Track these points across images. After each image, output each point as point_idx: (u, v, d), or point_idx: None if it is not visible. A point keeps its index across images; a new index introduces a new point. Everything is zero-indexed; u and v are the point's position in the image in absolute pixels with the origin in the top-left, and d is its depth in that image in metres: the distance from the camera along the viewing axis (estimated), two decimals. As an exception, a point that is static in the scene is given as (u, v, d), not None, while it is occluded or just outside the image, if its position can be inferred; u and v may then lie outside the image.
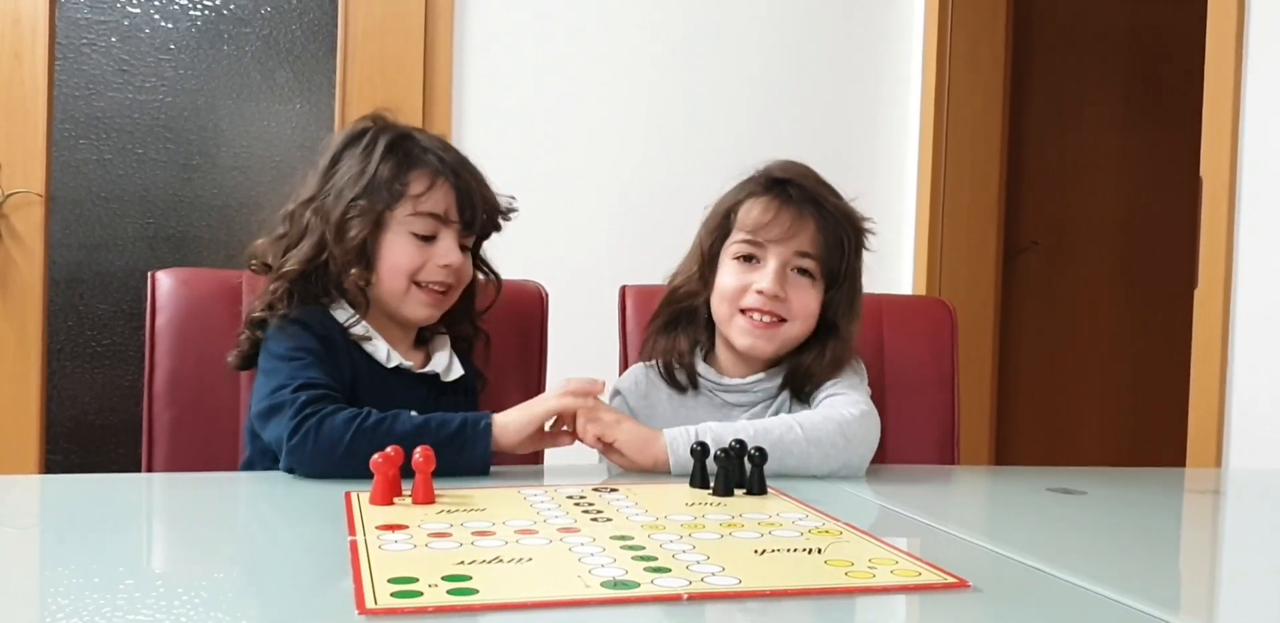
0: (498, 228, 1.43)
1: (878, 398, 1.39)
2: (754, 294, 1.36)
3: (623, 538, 0.86)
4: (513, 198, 1.43)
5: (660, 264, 1.50)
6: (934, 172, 2.71)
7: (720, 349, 1.45)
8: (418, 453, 1.00)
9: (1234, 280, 1.86)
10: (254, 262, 1.39)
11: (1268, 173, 1.82)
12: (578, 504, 0.99)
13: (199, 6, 2.45)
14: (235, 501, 1.14)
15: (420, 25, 2.48)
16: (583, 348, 1.73)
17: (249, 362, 1.33)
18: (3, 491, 1.16)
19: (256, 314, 1.33)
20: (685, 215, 1.49)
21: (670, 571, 0.76)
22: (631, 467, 1.22)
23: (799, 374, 1.39)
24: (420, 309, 1.35)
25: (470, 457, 1.18)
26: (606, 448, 1.23)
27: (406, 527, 0.88)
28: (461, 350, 1.46)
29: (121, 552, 0.87)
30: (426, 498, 0.99)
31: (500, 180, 1.44)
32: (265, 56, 2.49)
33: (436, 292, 1.35)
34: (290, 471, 1.17)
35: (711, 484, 1.08)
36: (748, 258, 1.38)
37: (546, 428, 1.24)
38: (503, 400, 1.26)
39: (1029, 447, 3.20)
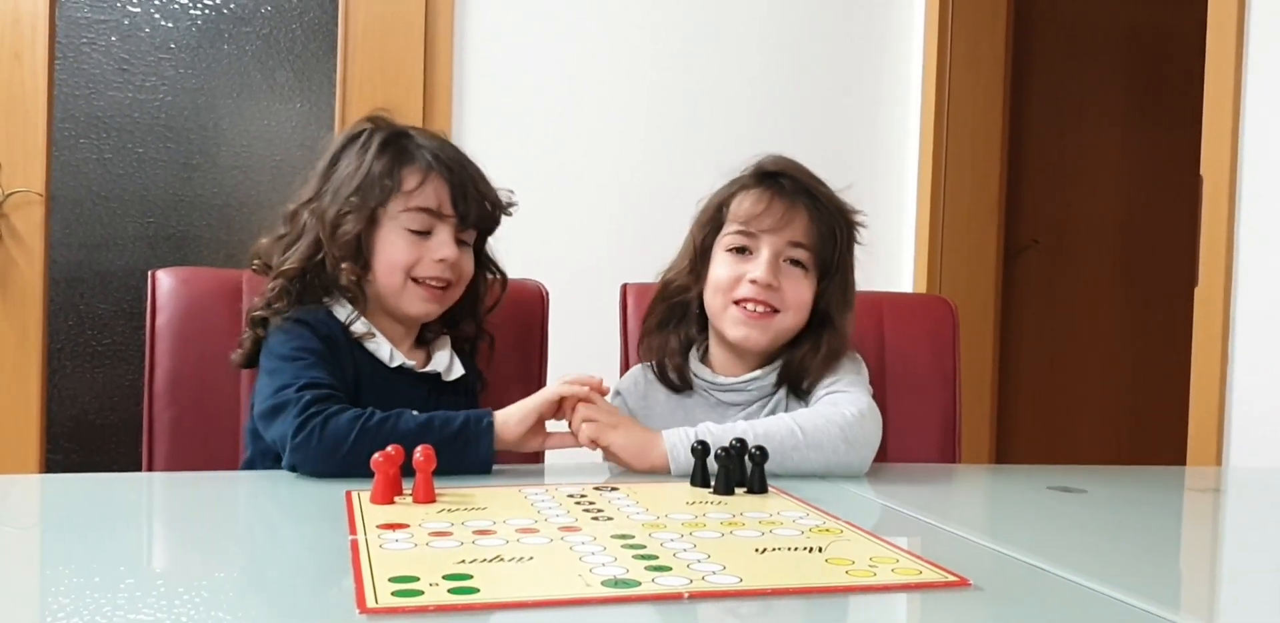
0: (497, 223, 1.42)
1: (878, 396, 1.38)
2: (747, 284, 1.36)
3: (623, 537, 0.86)
4: (511, 192, 1.43)
5: (661, 263, 1.50)
6: (934, 170, 2.71)
7: (715, 347, 1.44)
8: (418, 452, 1.00)
9: (1234, 279, 1.86)
10: (256, 262, 1.40)
11: (1268, 172, 1.82)
12: (578, 503, 0.99)
13: (199, 5, 2.45)
14: (236, 500, 1.14)
15: (420, 24, 2.48)
16: (583, 347, 1.73)
17: (252, 360, 1.33)
18: (3, 490, 1.16)
19: (258, 313, 1.34)
20: (686, 214, 1.48)
21: (671, 569, 0.76)
22: (630, 469, 1.22)
23: (794, 369, 1.39)
24: (418, 305, 1.35)
25: (474, 454, 1.18)
26: (604, 449, 1.23)
27: (407, 526, 0.88)
28: (463, 350, 1.46)
29: (122, 551, 0.87)
30: (427, 497, 0.99)
31: (501, 179, 1.44)
32: (265, 56, 2.48)
33: (434, 287, 1.35)
34: (294, 469, 1.17)
35: (712, 483, 1.09)
36: (740, 249, 1.38)
37: (549, 428, 1.24)
38: (503, 400, 1.26)
39: (1029, 445, 3.20)
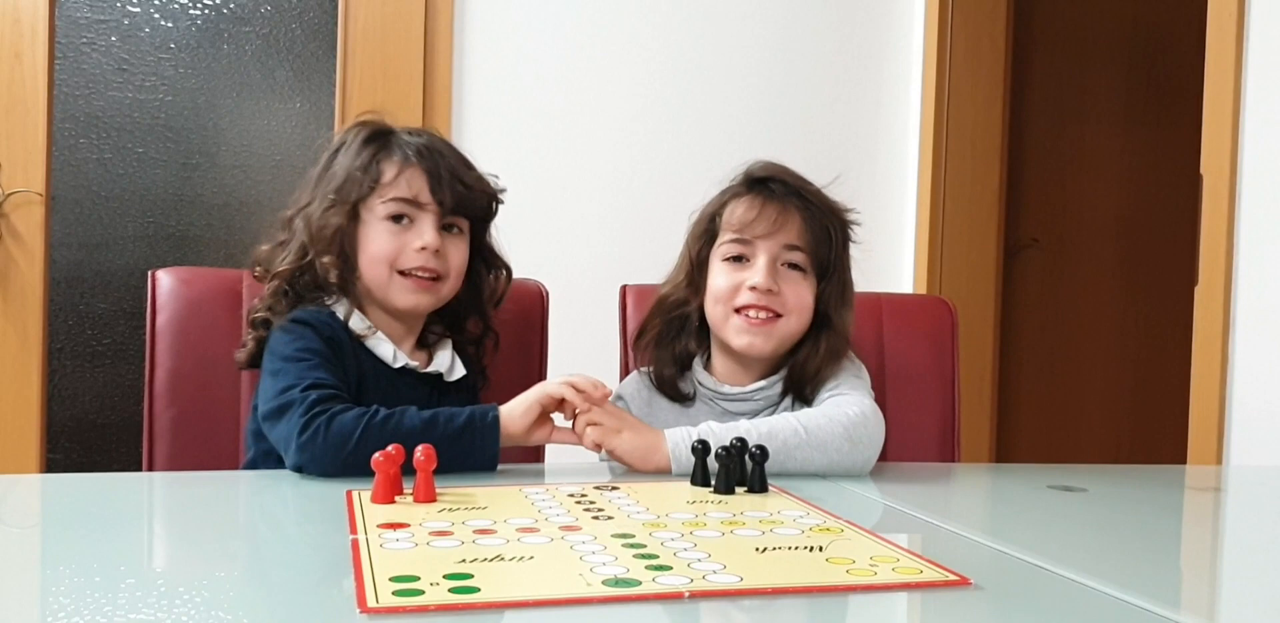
0: (487, 210, 1.41)
1: (879, 396, 1.38)
2: (747, 291, 1.35)
3: (624, 536, 0.86)
4: (496, 176, 1.42)
5: (661, 263, 1.49)
6: (934, 170, 2.71)
7: (718, 357, 1.44)
8: (419, 451, 1.00)
9: (1234, 277, 1.86)
10: (257, 269, 1.40)
11: (1268, 170, 1.82)
12: (579, 502, 0.99)
13: (199, 5, 2.45)
14: (236, 499, 1.14)
15: (420, 24, 2.48)
16: (583, 347, 1.73)
17: (256, 360, 1.33)
18: (4, 490, 1.16)
19: (259, 314, 1.34)
20: (686, 214, 1.48)
21: (671, 569, 0.76)
22: (636, 470, 1.22)
23: (798, 374, 1.38)
24: (405, 297, 1.34)
25: (480, 450, 1.18)
26: (609, 453, 1.23)
27: (408, 525, 0.88)
28: (466, 350, 1.45)
29: (122, 551, 0.87)
30: (428, 497, 0.99)
31: (501, 178, 1.44)
32: (265, 55, 2.48)
33: (421, 278, 1.34)
34: (299, 469, 1.17)
35: (713, 482, 1.09)
36: (737, 258, 1.38)
37: (558, 423, 1.24)
38: (503, 401, 1.26)
39: (1030, 444, 3.20)
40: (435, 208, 1.33)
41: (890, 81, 2.77)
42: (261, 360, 1.31)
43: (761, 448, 1.08)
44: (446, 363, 1.40)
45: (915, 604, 0.75)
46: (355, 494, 1.01)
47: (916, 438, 1.62)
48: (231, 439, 1.45)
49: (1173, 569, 0.95)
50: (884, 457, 1.30)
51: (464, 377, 1.41)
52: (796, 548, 0.84)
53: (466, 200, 1.36)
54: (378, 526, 0.88)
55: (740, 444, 1.09)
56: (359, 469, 1.09)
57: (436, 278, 1.35)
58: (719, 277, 1.39)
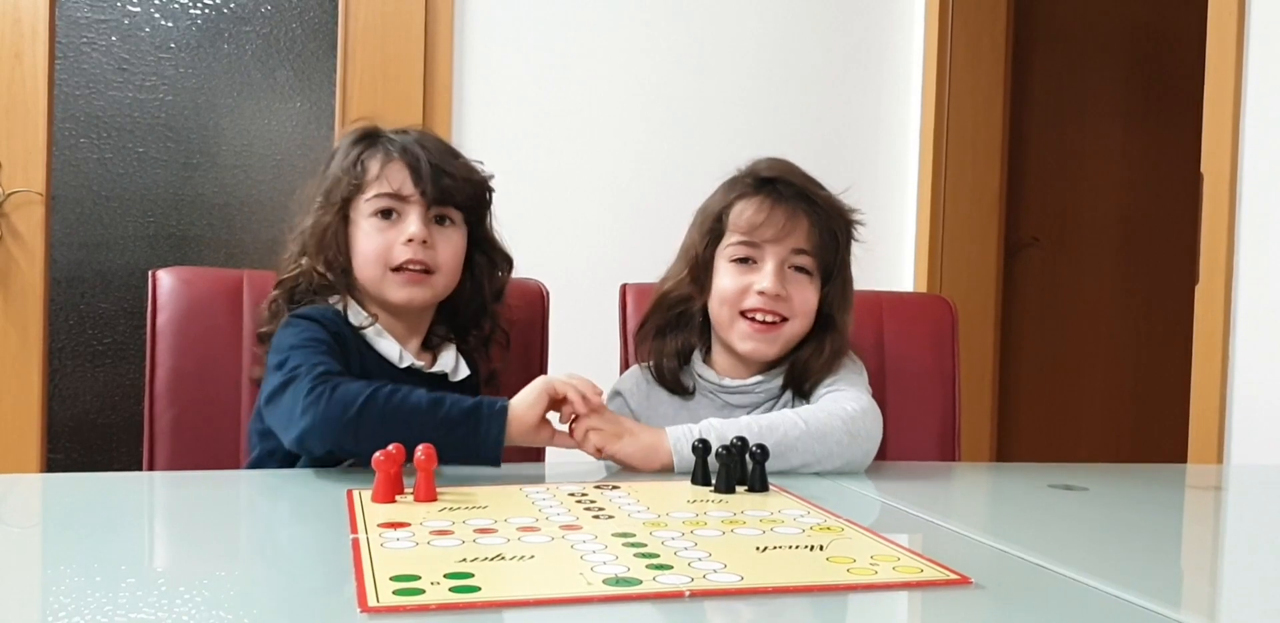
0: (475, 199, 1.39)
1: (879, 395, 1.39)
2: (755, 295, 1.36)
3: (625, 535, 0.86)
4: (481, 162, 1.41)
5: (661, 262, 1.49)
6: (934, 168, 2.71)
7: (719, 352, 1.44)
8: (419, 450, 1.00)
9: (1235, 276, 1.85)
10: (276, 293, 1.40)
11: (1268, 168, 1.82)
12: (579, 502, 0.99)
13: (199, 5, 2.45)
14: (237, 499, 1.14)
15: (421, 23, 2.48)
16: (583, 346, 1.73)
17: None
18: (4, 490, 1.16)
19: (265, 329, 1.35)
20: (686, 213, 1.48)
21: (672, 568, 0.76)
22: (641, 472, 1.21)
23: (799, 371, 1.39)
24: (399, 291, 1.33)
25: (485, 437, 1.15)
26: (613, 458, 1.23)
27: (408, 524, 0.88)
28: (476, 352, 1.44)
29: (123, 551, 0.87)
30: (428, 496, 0.99)
31: (501, 178, 1.44)
32: (266, 55, 2.48)
33: (413, 272, 1.33)
34: (300, 442, 1.14)
35: (713, 481, 1.09)
36: (744, 260, 1.38)
37: (556, 426, 1.23)
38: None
39: (1030, 443, 3.20)
40: (420, 199, 1.33)
41: (890, 81, 2.77)
42: None
43: (762, 447, 1.08)
44: (451, 363, 1.39)
45: (916, 603, 0.75)
46: (356, 494, 1.01)
47: (917, 437, 1.62)
48: (232, 439, 1.45)
49: (1173, 568, 0.95)
50: (884, 455, 1.30)
51: (469, 377, 1.41)
52: (797, 547, 0.84)
53: (452, 189, 1.35)
54: (378, 525, 0.88)
55: (741, 443, 1.09)
56: (359, 440, 1.09)
57: (428, 271, 1.34)
58: (725, 278, 1.39)
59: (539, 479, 1.18)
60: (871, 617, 0.73)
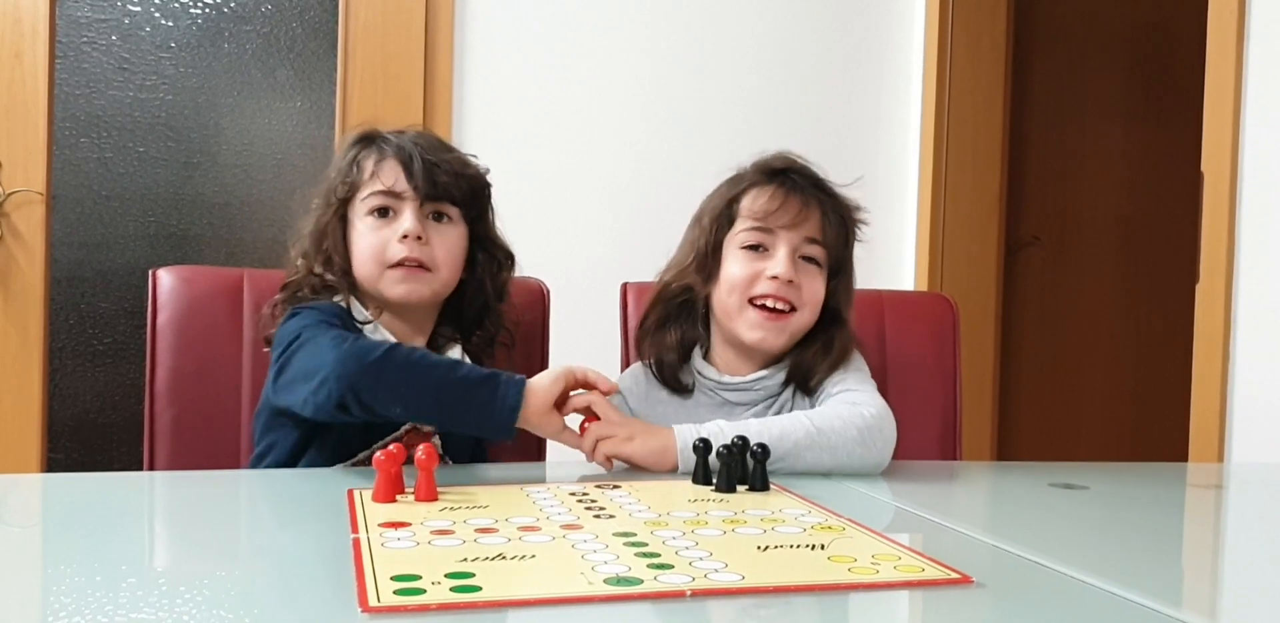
0: (471, 193, 1.38)
1: (880, 393, 1.38)
2: (766, 281, 1.34)
3: (625, 535, 0.86)
4: (475, 155, 1.41)
5: (661, 262, 1.49)
6: (935, 167, 2.71)
7: (720, 347, 1.43)
8: (420, 450, 1.00)
9: (1235, 275, 1.85)
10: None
11: (1269, 167, 1.82)
12: (580, 501, 0.99)
13: (199, 4, 2.45)
14: (237, 499, 1.14)
15: (421, 22, 2.48)
16: (584, 345, 1.73)
17: None
18: (5, 490, 1.16)
19: (269, 332, 1.34)
20: (687, 212, 1.48)
21: (673, 567, 0.76)
22: (650, 471, 1.21)
23: (803, 369, 1.38)
24: (395, 287, 1.33)
25: (500, 404, 1.13)
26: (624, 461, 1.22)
27: (409, 524, 0.88)
28: (483, 353, 1.44)
29: (123, 550, 0.87)
30: (429, 495, 0.98)
31: (501, 178, 1.44)
32: (266, 54, 2.48)
33: (410, 267, 1.32)
34: (320, 386, 1.13)
35: (714, 481, 1.08)
36: (755, 247, 1.37)
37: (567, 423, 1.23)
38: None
39: (1031, 442, 3.20)
40: (413, 195, 1.33)
41: (891, 80, 2.77)
42: None
43: (763, 446, 1.08)
44: None
45: (917, 603, 0.75)
46: (356, 493, 1.00)
47: (918, 435, 1.62)
48: (232, 439, 1.45)
49: (1174, 567, 0.95)
50: (884, 454, 1.30)
51: None
52: (798, 546, 0.84)
53: (446, 185, 1.34)
54: (379, 524, 0.88)
55: (742, 443, 1.09)
56: (378, 386, 1.10)
57: (425, 268, 1.33)
58: (735, 265, 1.37)
59: (540, 479, 1.18)
60: (873, 616, 0.73)
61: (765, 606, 0.71)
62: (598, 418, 1.22)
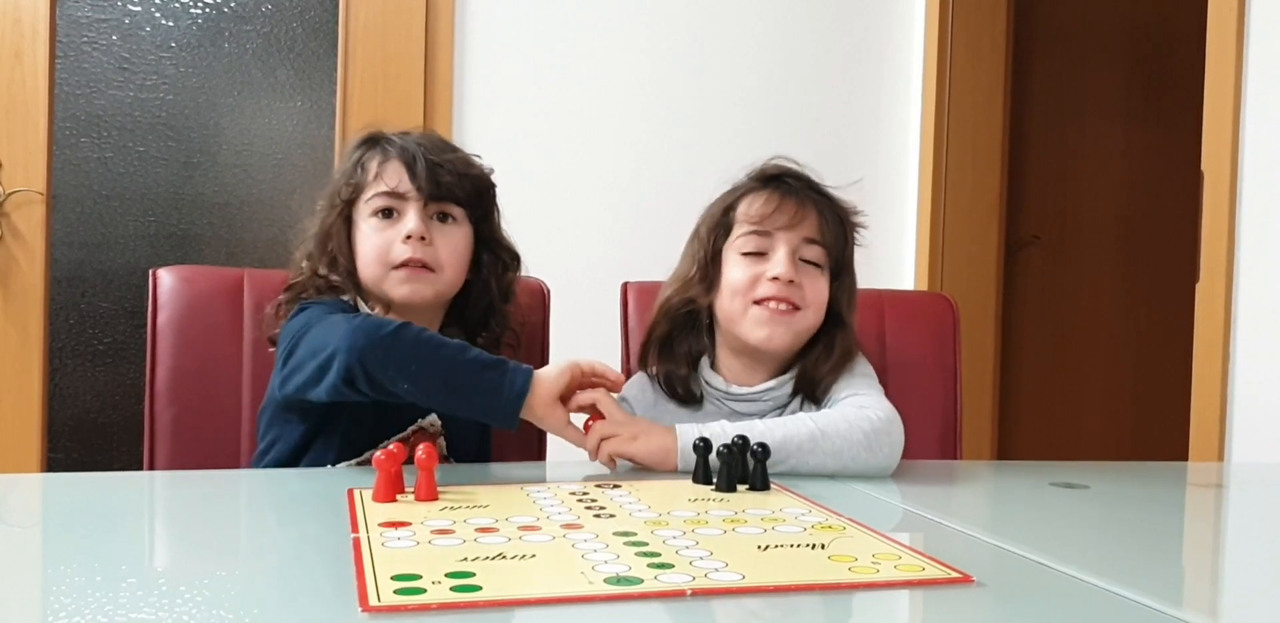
0: (479, 191, 1.38)
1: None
2: (767, 282, 1.33)
3: (626, 534, 0.86)
4: (479, 156, 1.41)
5: (662, 261, 1.49)
6: (935, 167, 2.71)
7: (727, 357, 1.41)
8: (420, 450, 1.00)
9: (1235, 274, 1.85)
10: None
11: (1269, 167, 1.82)
12: (580, 501, 0.99)
13: (200, 4, 2.44)
14: (237, 498, 1.14)
15: (421, 22, 2.48)
16: (585, 345, 1.72)
17: None
18: (4, 489, 1.16)
19: (272, 333, 1.34)
20: (687, 212, 1.48)
21: (673, 567, 0.76)
22: (655, 470, 1.20)
23: (809, 374, 1.37)
24: (399, 288, 1.32)
25: (510, 386, 1.13)
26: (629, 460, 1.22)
27: (409, 524, 0.88)
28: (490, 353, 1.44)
29: (124, 550, 0.87)
30: (429, 495, 0.98)
31: (502, 178, 1.44)
32: (266, 54, 2.48)
33: (414, 268, 1.32)
34: (330, 358, 1.13)
35: (714, 480, 1.08)
36: (754, 253, 1.36)
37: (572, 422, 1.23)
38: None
39: (1031, 441, 3.20)
40: (417, 195, 1.33)
41: (891, 80, 2.77)
42: None
43: (763, 445, 1.08)
44: None
45: (917, 602, 0.75)
46: (357, 493, 1.00)
47: (918, 435, 1.60)
48: (232, 439, 1.45)
49: (1175, 566, 0.95)
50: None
51: None
52: (798, 546, 0.84)
53: (450, 185, 1.34)
54: (379, 524, 0.88)
55: (742, 442, 1.09)
56: (389, 360, 1.10)
57: (429, 268, 1.33)
58: (736, 270, 1.36)
59: (540, 478, 1.18)
60: (873, 615, 0.73)
61: (766, 605, 0.71)
62: (602, 416, 1.21)
